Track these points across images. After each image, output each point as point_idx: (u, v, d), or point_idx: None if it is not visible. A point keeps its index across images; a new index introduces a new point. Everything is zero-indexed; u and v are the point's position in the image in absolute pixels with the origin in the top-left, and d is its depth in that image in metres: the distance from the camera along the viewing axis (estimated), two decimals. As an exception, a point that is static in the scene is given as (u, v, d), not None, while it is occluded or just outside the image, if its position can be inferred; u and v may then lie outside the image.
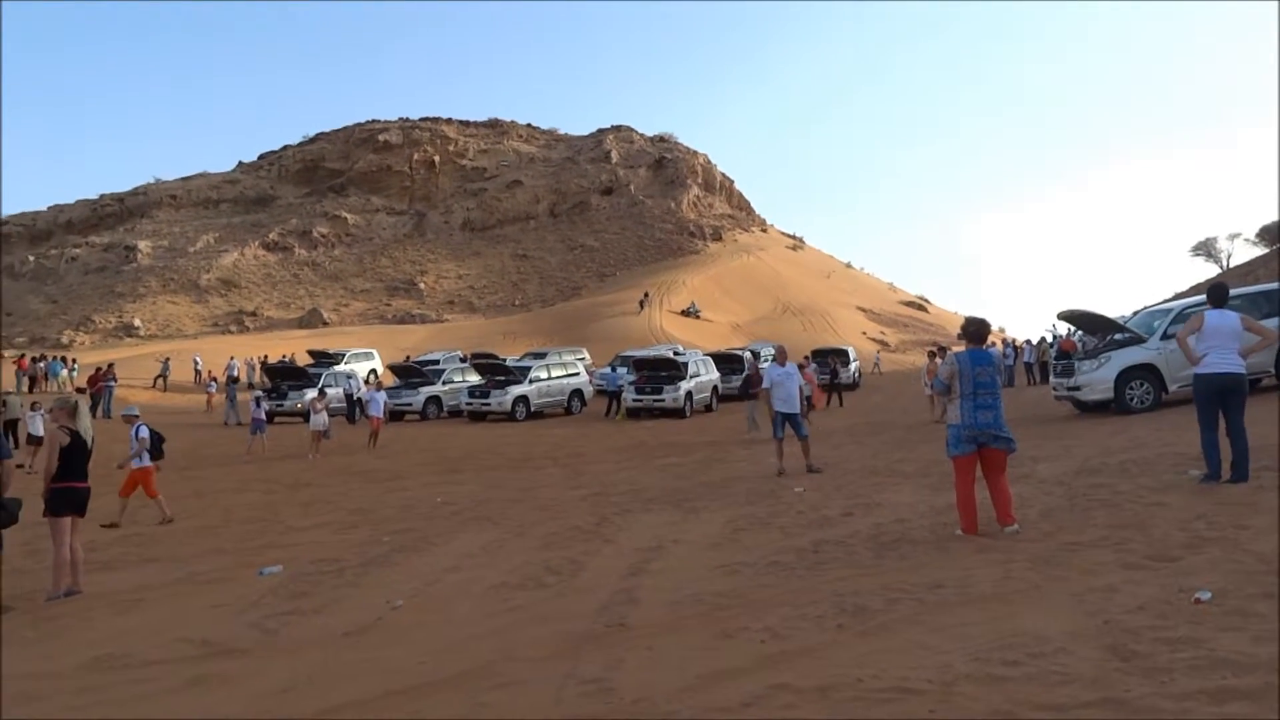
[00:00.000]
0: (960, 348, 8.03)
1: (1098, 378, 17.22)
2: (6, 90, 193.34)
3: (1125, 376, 16.85)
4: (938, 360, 22.56)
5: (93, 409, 27.95)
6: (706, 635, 5.40)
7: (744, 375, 20.96)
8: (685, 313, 66.00)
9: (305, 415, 26.65)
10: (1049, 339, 37.53)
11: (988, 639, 4.82)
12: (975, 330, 7.78)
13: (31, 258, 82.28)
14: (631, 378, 31.36)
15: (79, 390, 34.01)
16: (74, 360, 40.72)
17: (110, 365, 36.18)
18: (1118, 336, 17.79)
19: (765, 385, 14.00)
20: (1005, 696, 4.03)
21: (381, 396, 24.18)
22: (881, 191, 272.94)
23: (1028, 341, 37.31)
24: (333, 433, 22.52)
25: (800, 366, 20.24)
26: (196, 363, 45.41)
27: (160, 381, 41.58)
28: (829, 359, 40.14)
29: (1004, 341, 42.24)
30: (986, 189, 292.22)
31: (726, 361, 34.49)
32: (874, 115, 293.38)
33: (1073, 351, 20.48)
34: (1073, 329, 22.24)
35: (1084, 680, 4.15)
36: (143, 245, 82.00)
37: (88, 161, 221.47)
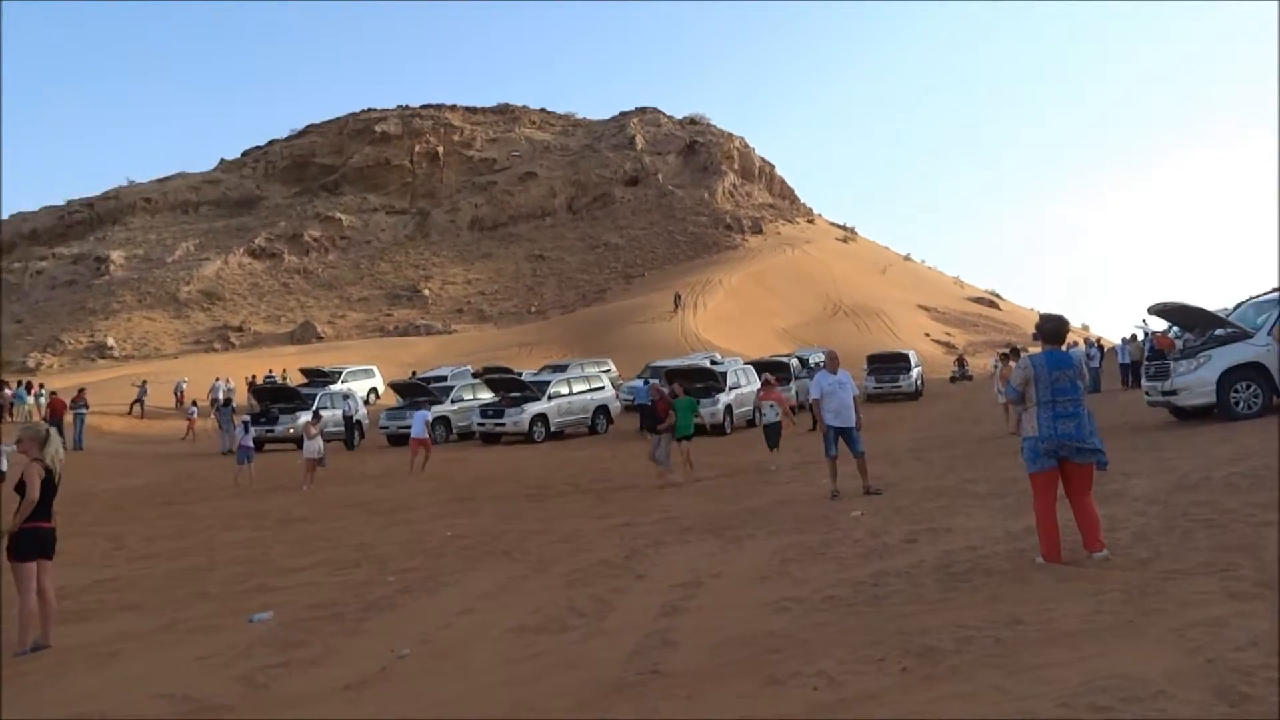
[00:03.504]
0: (1037, 349, 7.97)
1: (1197, 379, 16.98)
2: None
3: (1229, 377, 16.61)
4: (1011, 364, 22.34)
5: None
6: (753, 682, 5.38)
7: (648, 403, 19.85)
8: (675, 303, 66.40)
9: (298, 441, 26.86)
10: (1140, 336, 37.09)
11: (1075, 682, 4.77)
12: (1052, 329, 7.72)
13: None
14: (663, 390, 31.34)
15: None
16: (41, 386, 41.33)
17: (81, 390, 36.70)
18: (1219, 332, 17.54)
19: (815, 396, 13.96)
20: (1096, 748, 3.98)
21: (425, 415, 24.50)
22: (944, 177, 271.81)
23: (1122, 340, 36.88)
24: (328, 461, 22.68)
25: (767, 384, 20.18)
26: (180, 387, 45.93)
27: (137, 407, 42.12)
28: (887, 364, 39.99)
29: (1086, 341, 41.75)
30: (1065, 175, 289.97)
31: (771, 370, 34.37)
32: (939, 92, 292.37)
33: (1168, 350, 20.21)
34: (1169, 325, 21.95)
35: (1187, 728, 4.09)
36: (115, 255, 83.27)
37: (53, 164, 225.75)
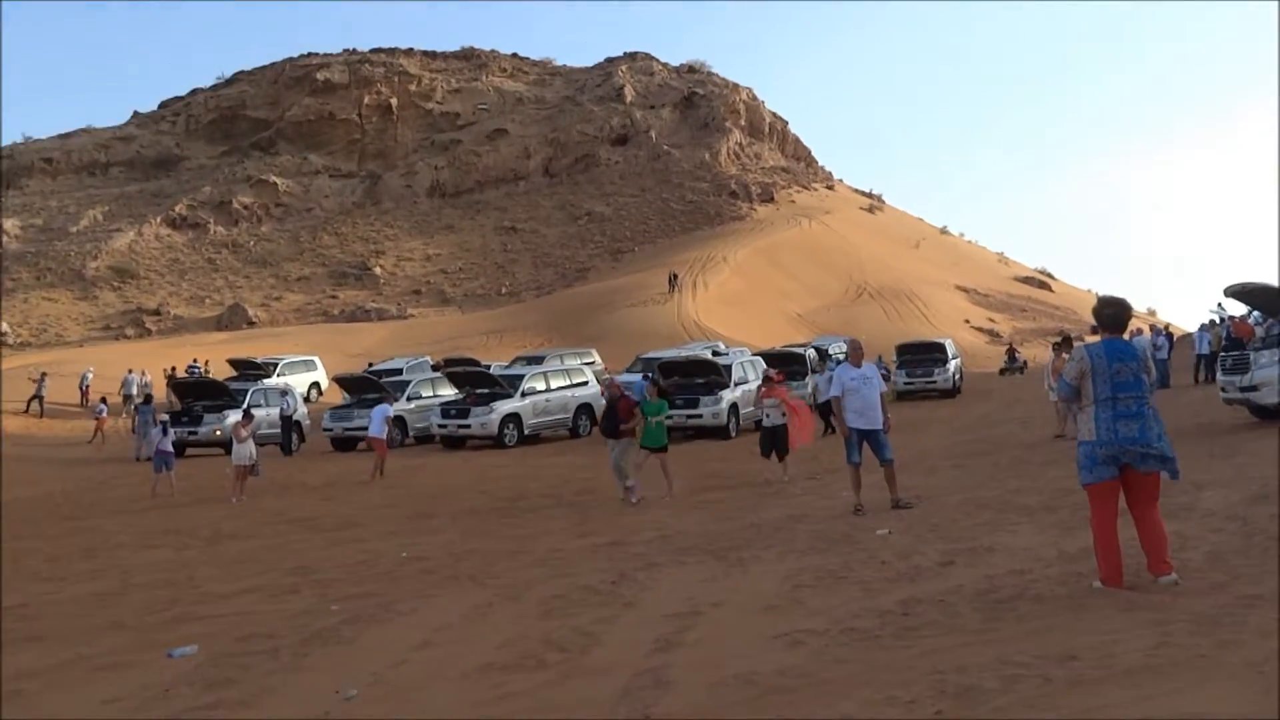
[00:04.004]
0: (1095, 339, 7.99)
1: (1280, 374, 17.06)
2: None
3: (1320, 371, 16.68)
4: (1064, 355, 22.39)
5: None
6: (760, 728, 5.39)
7: (607, 403, 18.58)
8: (670, 283, 66.94)
9: (226, 445, 26.77)
10: (1218, 323, 37.14)
11: (1137, 727, 4.79)
12: (1112, 314, 7.73)
13: None
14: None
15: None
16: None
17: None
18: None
19: (834, 393, 13.95)
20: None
21: (384, 411, 24.55)
22: (988, 136, 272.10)
23: (1200, 327, 36.91)
24: (262, 468, 22.65)
25: (769, 379, 19.95)
26: (85, 380, 45.79)
27: (35, 404, 41.97)
28: (920, 356, 40.02)
29: (1153, 328, 41.87)
30: (1130, 132, 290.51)
31: (784, 363, 34.40)
32: (982, 36, 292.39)
33: (1247, 339, 20.26)
34: (1248, 310, 22.02)
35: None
36: (9, 225, 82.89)
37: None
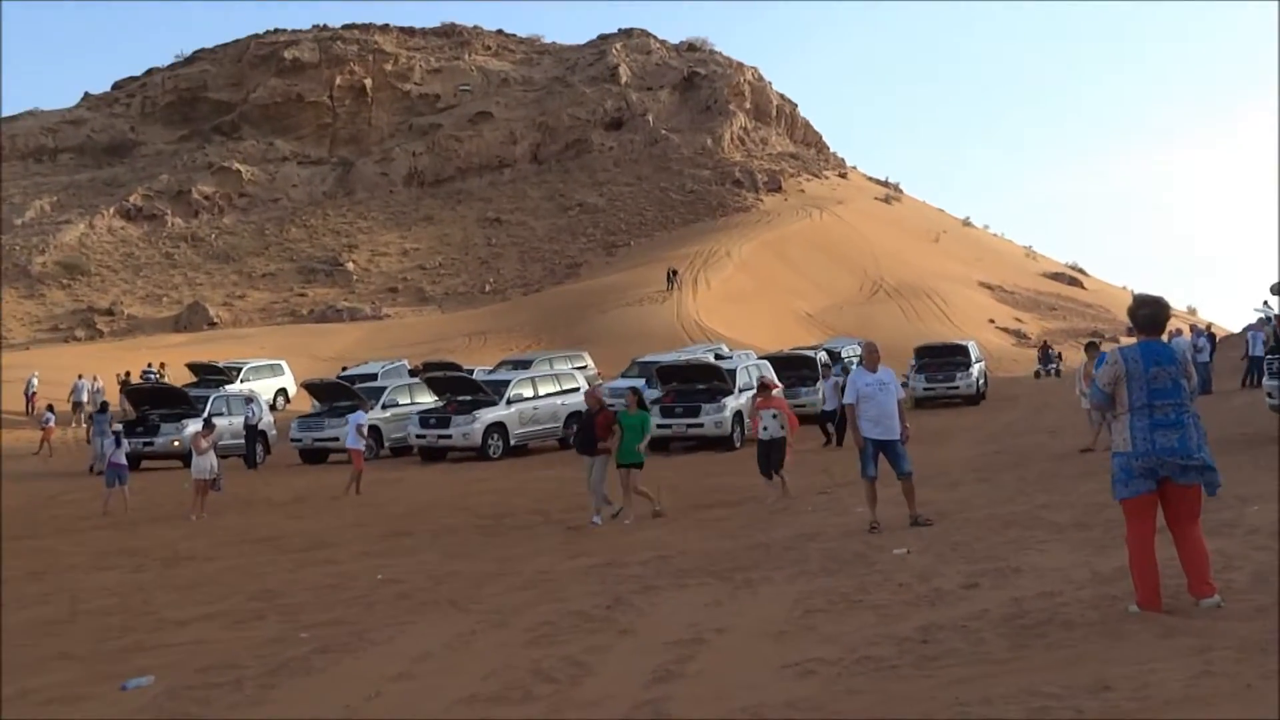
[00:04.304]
0: (1131, 340, 8.00)
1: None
2: None
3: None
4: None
5: None
6: (767, 766, 5.40)
7: (584, 416, 18.64)
8: (669, 280, 67.12)
9: (185, 458, 26.73)
10: (1268, 320, 37.09)
11: (1177, 765, 4.80)
12: (1149, 314, 7.74)
13: None
14: (655, 394, 31.37)
15: None
16: None
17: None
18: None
19: (848, 400, 13.95)
20: None
21: (358, 420, 24.68)
22: (1014, 119, 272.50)
23: (1248, 328, 36.81)
24: (224, 483, 22.63)
25: (764, 387, 19.77)
26: (31, 386, 45.74)
27: (-24, 413, 41.93)
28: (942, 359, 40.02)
29: (1193, 329, 41.91)
30: (1171, 115, 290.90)
31: (793, 367, 34.46)
32: (1007, 10, 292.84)
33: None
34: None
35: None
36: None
37: None
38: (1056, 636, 7.33)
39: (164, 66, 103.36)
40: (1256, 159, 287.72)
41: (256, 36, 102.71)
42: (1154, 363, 7.55)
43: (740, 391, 30.07)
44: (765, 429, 18.32)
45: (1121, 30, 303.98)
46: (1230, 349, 39.38)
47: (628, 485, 17.24)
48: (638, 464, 17.29)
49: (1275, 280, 19.05)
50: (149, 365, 50.50)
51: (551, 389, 32.78)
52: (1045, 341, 60.65)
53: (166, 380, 45.26)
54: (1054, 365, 52.35)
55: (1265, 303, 33.04)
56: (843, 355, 39.62)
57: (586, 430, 17.77)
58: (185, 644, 10.17)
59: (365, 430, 25.41)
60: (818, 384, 31.92)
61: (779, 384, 23.30)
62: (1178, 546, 7.66)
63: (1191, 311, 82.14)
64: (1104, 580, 8.85)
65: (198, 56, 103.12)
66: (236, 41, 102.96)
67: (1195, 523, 7.62)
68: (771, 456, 18.15)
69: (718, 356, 37.93)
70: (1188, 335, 35.91)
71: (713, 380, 30.44)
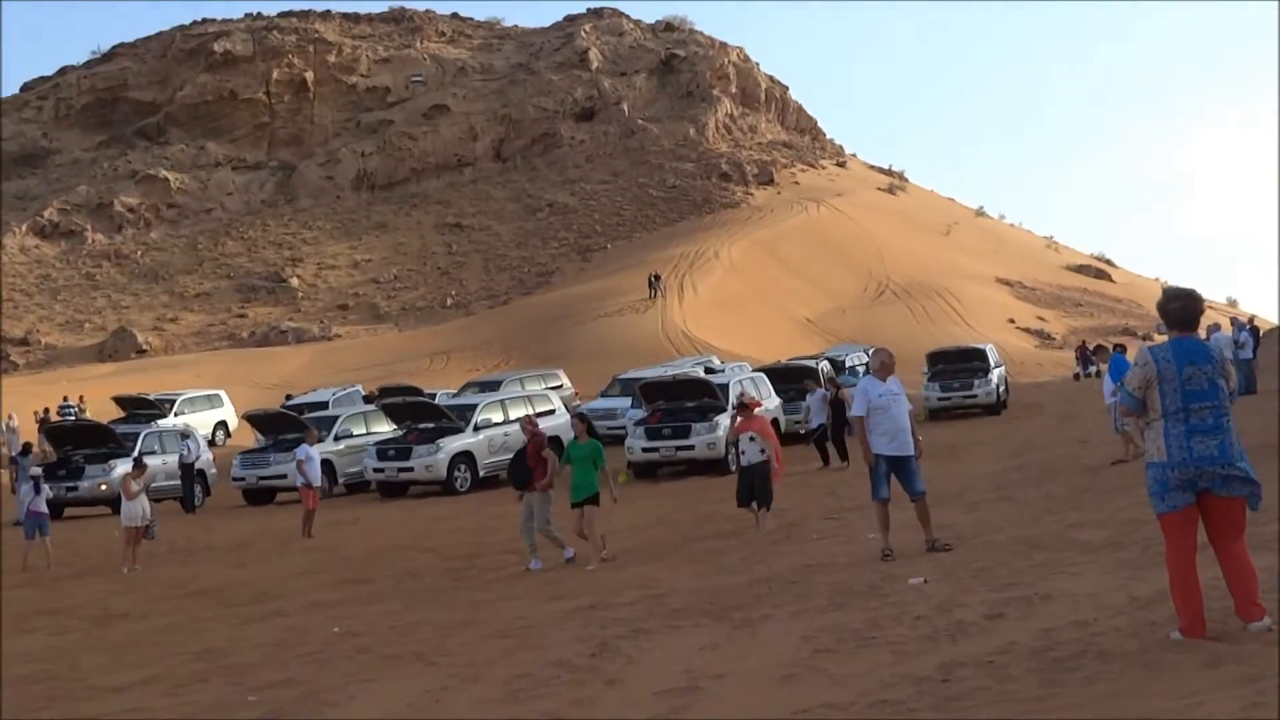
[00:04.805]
0: (1164, 338, 8.03)
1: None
2: None
3: None
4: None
5: None
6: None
7: (519, 448, 18.26)
8: (651, 286, 67.37)
9: (114, 503, 26.61)
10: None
11: (1226, 808, 4.83)
12: (1180, 309, 7.74)
13: None
14: (640, 414, 31.34)
15: None
16: None
17: None
18: None
19: (859, 413, 13.80)
20: None
21: (300, 455, 24.56)
22: (1031, 96, 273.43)
23: None
24: (158, 529, 22.53)
25: (744, 406, 19.37)
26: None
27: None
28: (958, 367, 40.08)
29: (1234, 322, 42.14)
30: (1208, 90, 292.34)
31: (792, 379, 34.46)
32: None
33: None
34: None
35: None
36: None
37: None
38: (1091, 670, 7.35)
39: (79, 64, 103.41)
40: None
41: (182, 28, 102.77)
42: (1188, 362, 7.53)
43: (734, 408, 30.06)
44: (744, 453, 18.07)
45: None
46: (1276, 343, 39.50)
47: (580, 526, 16.81)
48: (592, 500, 16.70)
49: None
50: (65, 399, 50.29)
51: (523, 412, 32.72)
52: (1084, 341, 60.85)
53: (87, 415, 45.02)
54: (1095, 366, 52.59)
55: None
56: (847, 364, 39.69)
57: (519, 461, 17.37)
58: (118, 713, 10.12)
59: (308, 466, 24.77)
60: (807, 398, 31.04)
61: (761, 402, 22.99)
62: (1222, 565, 7.65)
63: (1232, 304, 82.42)
64: (1142, 605, 8.86)
65: (117, 52, 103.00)
66: (160, 34, 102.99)
67: (1240, 538, 7.60)
68: (756, 486, 17.88)
69: (708, 370, 37.96)
70: (1228, 330, 35.96)
71: (703, 397, 30.43)
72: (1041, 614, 9.24)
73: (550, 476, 16.78)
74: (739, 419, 18.97)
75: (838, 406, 27.95)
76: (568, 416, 34.05)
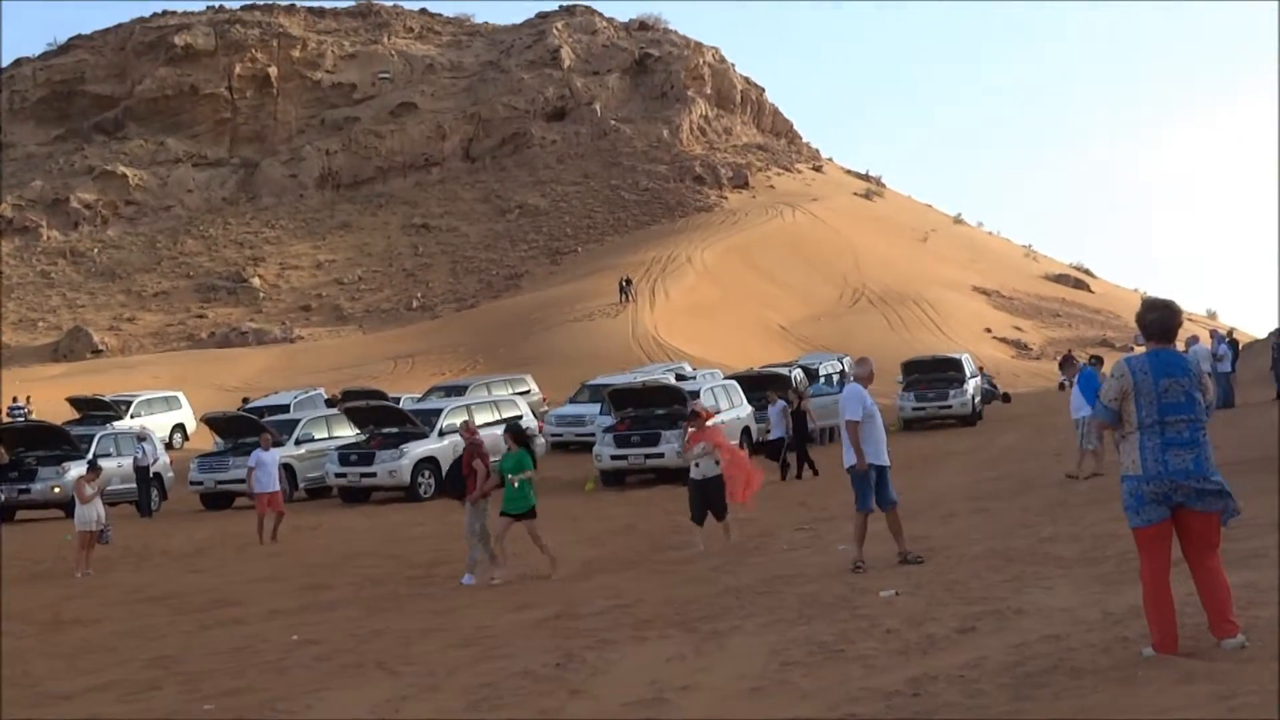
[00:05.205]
0: (1143, 349, 8.05)
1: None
2: None
3: None
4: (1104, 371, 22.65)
5: None
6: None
7: (455, 457, 18.07)
8: (622, 291, 67.48)
9: (68, 506, 26.44)
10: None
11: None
12: (1157, 319, 7.79)
13: None
14: (608, 421, 31.36)
15: None
16: None
17: None
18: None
19: (855, 417, 13.70)
20: None
21: (272, 458, 24.25)
22: (1010, 100, 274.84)
23: None
24: (113, 533, 22.39)
25: (695, 416, 18.42)
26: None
27: None
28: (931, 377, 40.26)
29: (1214, 334, 42.46)
30: (1190, 93, 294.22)
31: (763, 387, 34.53)
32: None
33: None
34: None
35: None
36: None
37: None
38: (1063, 685, 7.38)
39: (34, 56, 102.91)
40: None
41: (142, 20, 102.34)
42: (1164, 374, 7.58)
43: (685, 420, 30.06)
44: (697, 465, 17.53)
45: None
46: (1255, 356, 39.78)
47: (503, 535, 16.51)
48: (528, 511, 16.39)
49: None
50: (15, 399, 49.98)
51: (490, 418, 32.66)
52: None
53: (33, 415, 44.72)
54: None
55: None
56: (821, 373, 39.82)
57: (455, 470, 17.26)
58: (70, 721, 10.07)
59: (258, 472, 24.36)
60: (774, 406, 30.94)
61: (714, 412, 22.65)
62: (1196, 581, 7.71)
63: (1211, 316, 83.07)
64: (1116, 621, 8.93)
65: (74, 44, 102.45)
66: (119, 26, 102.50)
67: (1214, 554, 7.65)
68: (711, 500, 17.38)
69: (679, 377, 38.03)
70: (1207, 342, 36.17)
71: (673, 404, 30.39)
72: (1014, 628, 9.30)
73: (482, 488, 16.59)
74: (690, 429, 18.24)
75: (800, 418, 28.13)
76: (535, 421, 34.20)
